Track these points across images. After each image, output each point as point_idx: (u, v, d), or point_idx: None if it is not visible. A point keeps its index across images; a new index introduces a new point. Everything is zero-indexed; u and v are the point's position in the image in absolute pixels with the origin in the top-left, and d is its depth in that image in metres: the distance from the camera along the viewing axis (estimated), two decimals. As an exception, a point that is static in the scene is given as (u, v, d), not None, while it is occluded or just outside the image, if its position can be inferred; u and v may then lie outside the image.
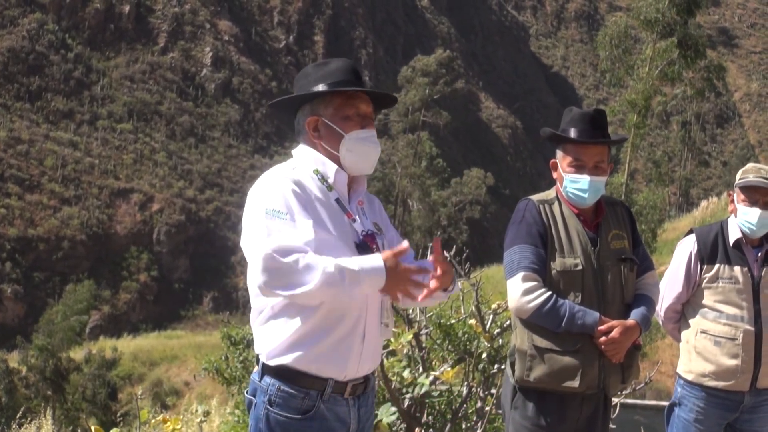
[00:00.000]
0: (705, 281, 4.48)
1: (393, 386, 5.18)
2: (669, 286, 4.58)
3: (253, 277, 2.95)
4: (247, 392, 3.21)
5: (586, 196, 3.88)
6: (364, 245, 3.12)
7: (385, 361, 5.21)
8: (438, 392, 5.35)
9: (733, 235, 4.52)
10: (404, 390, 5.27)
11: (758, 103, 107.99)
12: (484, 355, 5.51)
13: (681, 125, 73.59)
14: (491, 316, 5.71)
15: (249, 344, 9.78)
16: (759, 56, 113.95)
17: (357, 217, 3.18)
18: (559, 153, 3.99)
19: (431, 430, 5.40)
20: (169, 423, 5.24)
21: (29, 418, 11.22)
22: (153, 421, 6.03)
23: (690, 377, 4.53)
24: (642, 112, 31.99)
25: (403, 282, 2.98)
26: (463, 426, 5.50)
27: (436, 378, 5.28)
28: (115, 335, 45.58)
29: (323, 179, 3.15)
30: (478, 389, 5.56)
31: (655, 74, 32.04)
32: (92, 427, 5.03)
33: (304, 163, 3.18)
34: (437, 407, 5.51)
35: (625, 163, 33.53)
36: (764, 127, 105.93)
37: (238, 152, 69.63)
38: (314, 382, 3.06)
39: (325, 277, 2.87)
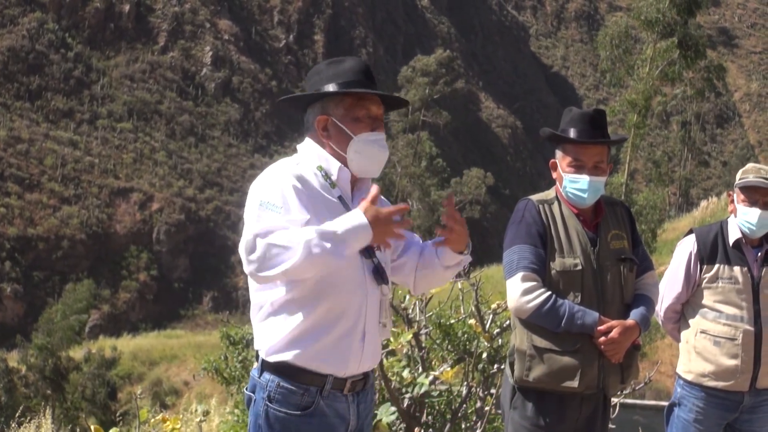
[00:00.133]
0: (705, 281, 4.48)
1: (392, 386, 5.17)
2: (669, 286, 4.58)
3: (244, 267, 2.95)
4: (246, 389, 3.20)
5: (585, 196, 3.88)
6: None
7: (384, 360, 5.21)
8: (437, 392, 5.34)
9: (733, 235, 4.52)
10: (404, 390, 5.27)
11: (758, 103, 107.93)
12: (483, 355, 5.51)
13: (681, 125, 73.51)
14: (491, 316, 5.70)
15: (248, 344, 9.79)
16: (759, 56, 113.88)
17: None
18: (558, 153, 3.98)
19: (431, 429, 5.40)
20: (168, 422, 5.24)
21: (28, 418, 11.21)
22: (152, 420, 6.03)
23: (689, 377, 4.53)
24: (642, 112, 32.01)
25: (389, 226, 2.96)
26: (463, 426, 5.50)
27: (435, 378, 5.27)
28: (115, 334, 45.58)
29: (326, 176, 3.12)
30: (478, 389, 5.55)
31: (655, 74, 32.06)
32: (92, 427, 5.03)
33: (308, 159, 3.15)
34: (437, 407, 5.51)
35: (625, 163, 33.55)
36: (764, 127, 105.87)
37: (238, 151, 69.61)
38: (314, 378, 3.05)
39: (308, 245, 2.83)
